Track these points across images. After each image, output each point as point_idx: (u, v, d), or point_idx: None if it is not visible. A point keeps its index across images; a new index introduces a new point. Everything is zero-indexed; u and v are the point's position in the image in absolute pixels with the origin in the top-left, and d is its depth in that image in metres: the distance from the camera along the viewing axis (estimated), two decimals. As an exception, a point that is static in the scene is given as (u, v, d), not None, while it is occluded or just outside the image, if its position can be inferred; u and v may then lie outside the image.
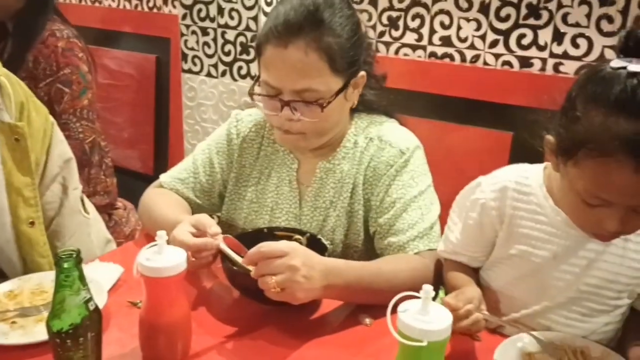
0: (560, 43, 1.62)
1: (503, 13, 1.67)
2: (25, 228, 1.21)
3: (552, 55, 1.63)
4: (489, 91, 1.70)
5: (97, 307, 0.83)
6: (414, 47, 1.85)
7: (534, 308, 1.05)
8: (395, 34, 1.86)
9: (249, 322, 1.05)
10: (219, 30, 2.19)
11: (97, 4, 2.73)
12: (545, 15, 1.62)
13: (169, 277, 0.88)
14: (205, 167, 1.33)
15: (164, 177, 1.36)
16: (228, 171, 1.34)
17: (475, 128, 1.73)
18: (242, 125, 1.33)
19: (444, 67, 1.79)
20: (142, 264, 0.88)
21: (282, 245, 0.99)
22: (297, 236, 1.18)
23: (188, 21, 2.25)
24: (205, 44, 2.24)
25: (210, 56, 2.25)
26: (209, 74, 2.28)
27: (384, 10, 1.86)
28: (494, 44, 1.71)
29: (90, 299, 0.82)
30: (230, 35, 2.18)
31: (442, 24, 1.78)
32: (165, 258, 0.88)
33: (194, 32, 2.26)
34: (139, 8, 2.58)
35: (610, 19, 1.54)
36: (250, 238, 1.08)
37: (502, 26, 1.68)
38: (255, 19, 2.09)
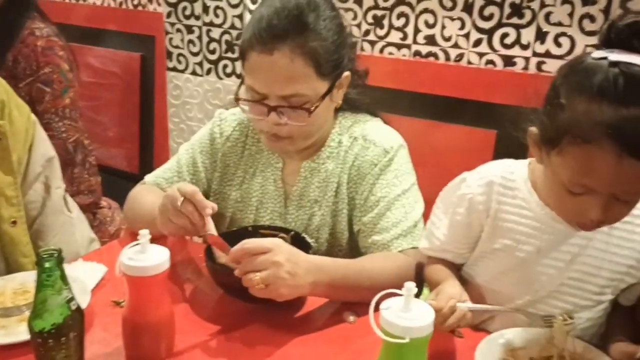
0: (543, 42, 1.63)
1: (487, 12, 1.68)
2: (8, 228, 1.20)
3: (535, 54, 1.65)
4: (473, 90, 1.72)
5: (79, 307, 0.83)
6: (398, 46, 1.85)
7: (517, 302, 1.06)
8: (380, 32, 1.87)
9: (233, 320, 1.05)
10: (204, 29, 2.19)
11: (81, 2, 2.71)
12: (528, 14, 1.63)
13: (152, 276, 0.88)
14: (189, 167, 1.33)
15: (148, 178, 1.36)
16: (212, 171, 1.33)
17: (459, 126, 1.74)
18: (226, 125, 1.33)
19: (429, 65, 1.80)
20: (124, 263, 0.87)
21: (266, 241, 0.99)
22: (282, 234, 1.18)
23: (173, 19, 2.25)
24: (190, 42, 2.24)
25: (195, 54, 2.25)
26: (194, 72, 2.27)
27: (369, 9, 1.87)
28: (477, 42, 1.72)
29: (72, 298, 0.82)
30: (216, 33, 2.17)
31: (426, 23, 1.79)
32: (147, 257, 0.88)
33: (179, 30, 2.25)
34: (124, 6, 2.56)
35: (592, 18, 1.56)
36: (234, 236, 1.07)
37: (486, 25, 1.69)
38: (240, 17, 2.09)
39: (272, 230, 1.20)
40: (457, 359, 0.98)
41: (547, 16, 1.61)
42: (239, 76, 2.12)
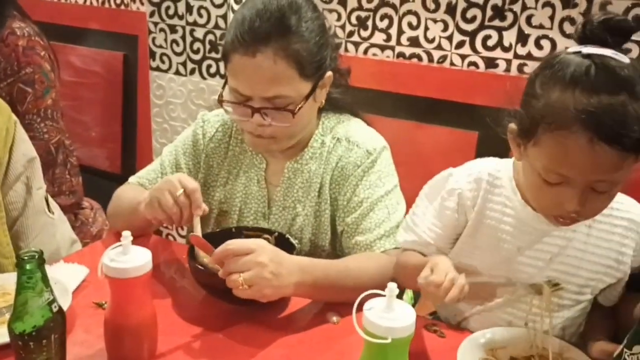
0: (524, 44, 1.65)
1: (469, 14, 1.70)
2: (-12, 229, 1.18)
3: (516, 56, 1.67)
4: (456, 91, 1.73)
5: (60, 309, 0.83)
6: (382, 47, 1.86)
7: (496, 301, 1.07)
8: (364, 34, 1.88)
9: (216, 322, 1.05)
10: (188, 28, 2.18)
11: (63, 0, 2.68)
12: (510, 16, 1.65)
13: (134, 278, 0.87)
14: (173, 169, 1.33)
15: (132, 179, 1.36)
16: (195, 172, 1.33)
17: (442, 127, 1.75)
18: (209, 126, 1.33)
19: (412, 67, 1.81)
20: (106, 265, 0.87)
21: (250, 242, 1.00)
22: (266, 235, 1.18)
23: (156, 18, 2.23)
24: (174, 41, 2.22)
25: (178, 54, 2.23)
26: (177, 72, 2.26)
27: (353, 10, 1.87)
28: (460, 44, 1.73)
29: (54, 300, 0.81)
30: (199, 33, 2.16)
31: (410, 25, 1.80)
32: (130, 259, 0.88)
33: (162, 30, 2.24)
34: (106, 5, 2.54)
35: (572, 21, 1.58)
36: (218, 237, 1.07)
37: (468, 27, 1.71)
38: (224, 17, 2.08)
39: (256, 231, 1.20)
40: (439, 358, 0.99)
41: (528, 19, 1.63)
42: (222, 76, 2.11)
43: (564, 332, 1.07)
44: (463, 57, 1.74)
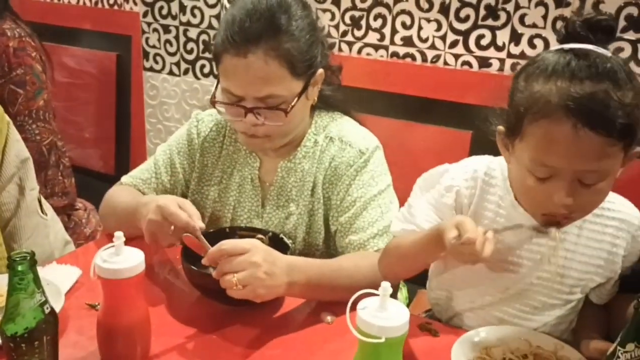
0: (517, 44, 1.65)
1: (462, 14, 1.70)
2: (-20, 230, 1.18)
3: (509, 55, 1.67)
4: (449, 91, 1.73)
5: (52, 310, 0.82)
6: (376, 47, 1.86)
7: (487, 299, 1.07)
8: (358, 33, 1.88)
9: (209, 322, 1.05)
10: (181, 28, 2.18)
11: (56, 1, 2.67)
12: (503, 16, 1.65)
13: (127, 279, 0.87)
14: (167, 168, 1.32)
15: (125, 179, 1.34)
16: (190, 171, 1.33)
17: (435, 127, 1.76)
18: (203, 126, 1.33)
19: (406, 66, 1.81)
20: (99, 266, 0.86)
21: (243, 242, 1.00)
22: (260, 235, 1.18)
23: (149, 19, 2.23)
24: (167, 41, 2.22)
25: (172, 54, 2.23)
26: (171, 72, 2.26)
27: (347, 10, 1.87)
28: (453, 44, 1.74)
29: (46, 301, 0.81)
30: (193, 33, 2.16)
31: (403, 24, 1.80)
32: (122, 259, 0.87)
33: (155, 30, 2.24)
34: (100, 5, 2.54)
35: (565, 20, 1.58)
36: (212, 237, 1.07)
37: (462, 27, 1.71)
38: (217, 17, 2.08)
39: (250, 231, 1.20)
40: (433, 357, 0.99)
41: (521, 18, 1.63)
42: (216, 76, 2.10)
43: (555, 330, 1.07)
44: (456, 56, 1.74)
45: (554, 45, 1.57)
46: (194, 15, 2.13)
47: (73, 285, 1.12)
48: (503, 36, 1.66)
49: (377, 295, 0.78)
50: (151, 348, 0.96)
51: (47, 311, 0.81)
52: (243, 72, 1.11)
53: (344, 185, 1.21)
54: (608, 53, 0.89)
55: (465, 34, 1.71)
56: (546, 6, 1.59)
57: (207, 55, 2.14)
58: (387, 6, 1.81)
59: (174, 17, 2.17)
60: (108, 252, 0.88)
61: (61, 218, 1.65)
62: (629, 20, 1.51)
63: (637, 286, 0.93)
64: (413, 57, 1.81)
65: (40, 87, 1.72)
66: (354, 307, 0.78)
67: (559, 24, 1.59)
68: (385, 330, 0.76)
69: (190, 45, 2.17)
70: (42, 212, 1.34)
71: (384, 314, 0.77)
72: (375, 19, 1.84)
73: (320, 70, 1.19)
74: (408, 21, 1.79)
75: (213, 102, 1.19)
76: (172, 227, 1.07)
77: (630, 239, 1.04)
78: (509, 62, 1.67)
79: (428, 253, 1.01)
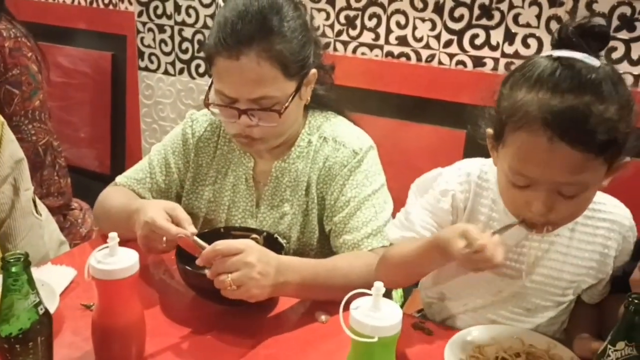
0: (511, 43, 1.66)
1: (457, 13, 1.71)
2: (-26, 231, 1.18)
3: (503, 55, 1.68)
4: (444, 90, 1.74)
5: (47, 311, 0.82)
6: (371, 47, 1.87)
7: (480, 302, 1.07)
8: (353, 33, 1.88)
9: (204, 323, 1.05)
10: (176, 28, 2.18)
11: (50, 0, 2.67)
12: (497, 15, 1.66)
13: (121, 280, 0.87)
14: (162, 168, 1.32)
15: (119, 179, 1.34)
16: (185, 171, 1.33)
17: (430, 126, 1.76)
18: (198, 125, 1.33)
19: (401, 66, 1.82)
20: (93, 267, 0.87)
21: (238, 242, 1.00)
22: (254, 235, 1.18)
23: (144, 18, 2.23)
24: (162, 41, 2.22)
25: (167, 54, 2.23)
26: (166, 72, 2.26)
27: (342, 9, 1.88)
28: (448, 43, 1.74)
29: (40, 302, 0.81)
30: (188, 32, 2.16)
31: (398, 24, 1.80)
32: (116, 260, 0.87)
33: (150, 30, 2.23)
34: (94, 5, 2.53)
35: (559, 20, 1.59)
36: (206, 238, 1.07)
37: (456, 26, 1.72)
38: (212, 16, 2.08)
39: (245, 231, 1.20)
40: (426, 356, 1.00)
41: (515, 17, 1.64)
42: (211, 76, 2.11)
43: (548, 330, 1.08)
44: (451, 56, 1.75)
45: (548, 45, 1.60)
46: (189, 15, 2.13)
47: (68, 286, 1.13)
48: (497, 36, 1.67)
49: (370, 295, 0.79)
50: (146, 348, 0.96)
51: (41, 312, 0.81)
52: (236, 74, 1.11)
53: (338, 185, 1.22)
54: (597, 62, 0.88)
55: (460, 34, 1.72)
56: (540, 6, 1.60)
57: (202, 54, 2.14)
58: (381, 6, 1.81)
59: (169, 17, 2.17)
60: (102, 253, 0.88)
61: (57, 218, 1.65)
62: (622, 19, 1.52)
63: (628, 286, 0.93)
64: (408, 57, 1.81)
65: (36, 87, 1.72)
66: (347, 307, 0.78)
67: (553, 24, 1.59)
68: (378, 330, 0.76)
69: (186, 44, 2.17)
70: (36, 212, 1.34)
71: (377, 313, 0.78)
72: (370, 18, 1.84)
73: (313, 70, 1.20)
74: (403, 21, 1.79)
75: (207, 104, 1.19)
76: (164, 238, 1.07)
77: (622, 239, 1.04)
78: (503, 61, 1.68)
79: (430, 263, 1.01)
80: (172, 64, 2.23)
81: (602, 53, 0.92)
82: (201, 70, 2.18)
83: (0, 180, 1.25)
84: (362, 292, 0.79)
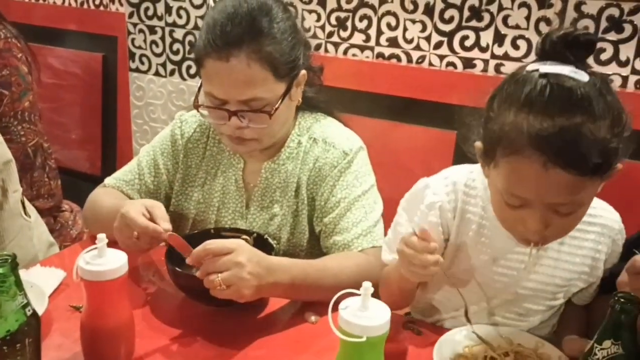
0: (501, 44, 1.67)
1: (447, 15, 1.71)
2: (-37, 232, 1.17)
3: (493, 56, 1.68)
4: (434, 91, 1.74)
5: (35, 312, 0.82)
6: (361, 48, 1.87)
7: (472, 308, 1.07)
8: (344, 34, 1.89)
9: (194, 324, 1.05)
10: (167, 29, 2.17)
11: (41, 1, 2.66)
12: (486, 17, 1.67)
13: (110, 281, 0.87)
14: (151, 169, 1.32)
15: (108, 180, 1.34)
16: (174, 172, 1.33)
17: (420, 127, 1.77)
18: (187, 126, 1.33)
19: (391, 67, 1.82)
20: (81, 268, 0.86)
21: (228, 242, 1.00)
22: (244, 236, 1.18)
23: (135, 19, 2.22)
24: (153, 42, 2.22)
25: (158, 55, 2.23)
26: (157, 73, 2.25)
27: (332, 10, 1.88)
28: (438, 45, 1.75)
29: (28, 304, 0.80)
30: (179, 34, 2.16)
31: (388, 25, 1.81)
32: (105, 261, 0.87)
33: (141, 31, 2.23)
34: (85, 5, 2.52)
35: (548, 21, 1.60)
36: (196, 239, 1.07)
37: (446, 28, 1.72)
38: (203, 17, 2.07)
39: (235, 232, 1.20)
40: (415, 356, 1.00)
41: (504, 19, 1.65)
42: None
43: (539, 333, 1.08)
44: (441, 57, 1.75)
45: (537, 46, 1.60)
46: (179, 16, 2.13)
47: (57, 288, 1.12)
48: (487, 37, 1.68)
49: (359, 295, 0.79)
50: (135, 350, 0.96)
51: (29, 313, 0.80)
52: (226, 76, 1.11)
53: (328, 186, 1.22)
54: (585, 77, 0.85)
55: (450, 35, 1.72)
56: (529, 7, 1.61)
57: (193, 56, 2.14)
58: (372, 7, 1.82)
59: (160, 18, 2.17)
60: (91, 254, 0.88)
61: (47, 220, 1.65)
62: (611, 20, 1.53)
63: (615, 287, 0.94)
64: (398, 58, 1.82)
65: (26, 88, 1.71)
66: (336, 307, 0.78)
67: (542, 26, 1.60)
68: (367, 330, 0.76)
69: (176, 46, 2.17)
70: (25, 214, 1.33)
71: (366, 313, 0.78)
72: (360, 20, 1.85)
73: (303, 72, 1.20)
74: (393, 22, 1.80)
75: (196, 106, 1.19)
76: (135, 234, 1.07)
77: (611, 243, 1.04)
78: (492, 63, 1.69)
79: (403, 282, 1.03)
80: (163, 65, 2.23)
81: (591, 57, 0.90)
82: (192, 71, 2.18)
83: (-12, 182, 1.25)
84: (351, 292, 0.79)
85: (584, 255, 1.04)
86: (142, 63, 2.27)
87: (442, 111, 1.72)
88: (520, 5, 1.62)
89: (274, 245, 1.17)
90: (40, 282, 1.07)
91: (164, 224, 1.07)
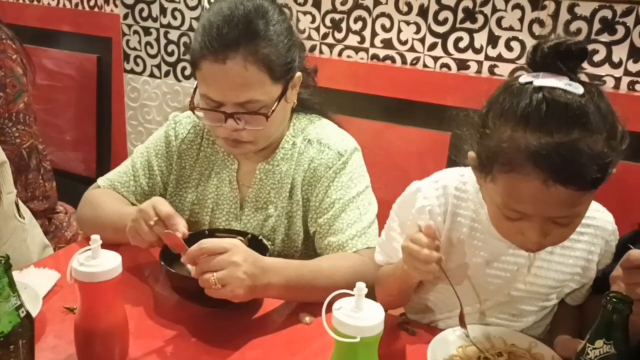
0: (494, 46, 1.67)
1: (441, 17, 1.72)
2: (-44, 234, 1.17)
3: (487, 57, 1.69)
4: (429, 92, 1.75)
5: (28, 314, 0.82)
6: (356, 49, 1.88)
7: (466, 309, 1.06)
8: (338, 36, 1.89)
9: (189, 324, 1.05)
10: (162, 30, 2.17)
11: (35, 2, 2.65)
12: (480, 19, 1.67)
13: (103, 282, 0.87)
14: (145, 170, 1.32)
15: (102, 181, 1.34)
16: (168, 174, 1.33)
17: (415, 129, 1.77)
18: (181, 127, 1.33)
19: (386, 69, 1.83)
20: (75, 269, 0.86)
21: (224, 242, 1.00)
22: (239, 237, 1.18)
23: (130, 21, 2.22)
24: (148, 44, 2.22)
25: (153, 56, 2.23)
26: (152, 75, 2.25)
27: (327, 12, 1.88)
28: (432, 46, 1.75)
29: (21, 305, 0.80)
30: (174, 35, 2.16)
31: (383, 27, 1.81)
32: (99, 263, 0.87)
33: (136, 32, 2.23)
34: (80, 7, 2.52)
35: (541, 23, 1.61)
36: (191, 239, 1.07)
37: (440, 29, 1.73)
38: (198, 19, 2.08)
39: (229, 233, 1.20)
40: (409, 356, 1.00)
41: (498, 21, 1.65)
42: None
43: (533, 333, 1.08)
44: (435, 58, 1.76)
45: (531, 44, 1.60)
46: (174, 18, 2.13)
47: (51, 289, 1.12)
48: (481, 39, 1.68)
49: (353, 295, 0.79)
50: (129, 351, 0.96)
51: (22, 315, 0.80)
52: (222, 78, 1.11)
53: (323, 187, 1.22)
54: (580, 89, 0.84)
55: (444, 37, 1.73)
56: (522, 9, 1.62)
57: (187, 57, 2.14)
58: (367, 9, 1.82)
59: (155, 19, 2.17)
60: (85, 256, 0.88)
61: (42, 222, 1.64)
62: (604, 22, 1.54)
63: (608, 286, 0.94)
64: (393, 60, 1.83)
65: (21, 89, 1.71)
66: (330, 308, 0.79)
67: (535, 27, 1.61)
68: (361, 330, 0.77)
69: (171, 47, 2.17)
70: (19, 216, 1.33)
71: (359, 313, 0.78)
72: (355, 21, 1.85)
73: (299, 74, 1.20)
74: (388, 24, 1.80)
75: (192, 108, 1.19)
76: (153, 220, 1.09)
77: (604, 244, 1.05)
78: (486, 64, 1.70)
79: (403, 281, 1.04)
80: (158, 66, 2.23)
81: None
82: (187, 72, 2.18)
83: (-18, 184, 1.24)
84: (345, 293, 0.80)
85: (577, 257, 1.04)
86: (137, 64, 2.26)
87: (437, 112, 1.72)
88: (514, 7, 1.62)
89: (269, 246, 1.17)
90: (35, 284, 1.07)
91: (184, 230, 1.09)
